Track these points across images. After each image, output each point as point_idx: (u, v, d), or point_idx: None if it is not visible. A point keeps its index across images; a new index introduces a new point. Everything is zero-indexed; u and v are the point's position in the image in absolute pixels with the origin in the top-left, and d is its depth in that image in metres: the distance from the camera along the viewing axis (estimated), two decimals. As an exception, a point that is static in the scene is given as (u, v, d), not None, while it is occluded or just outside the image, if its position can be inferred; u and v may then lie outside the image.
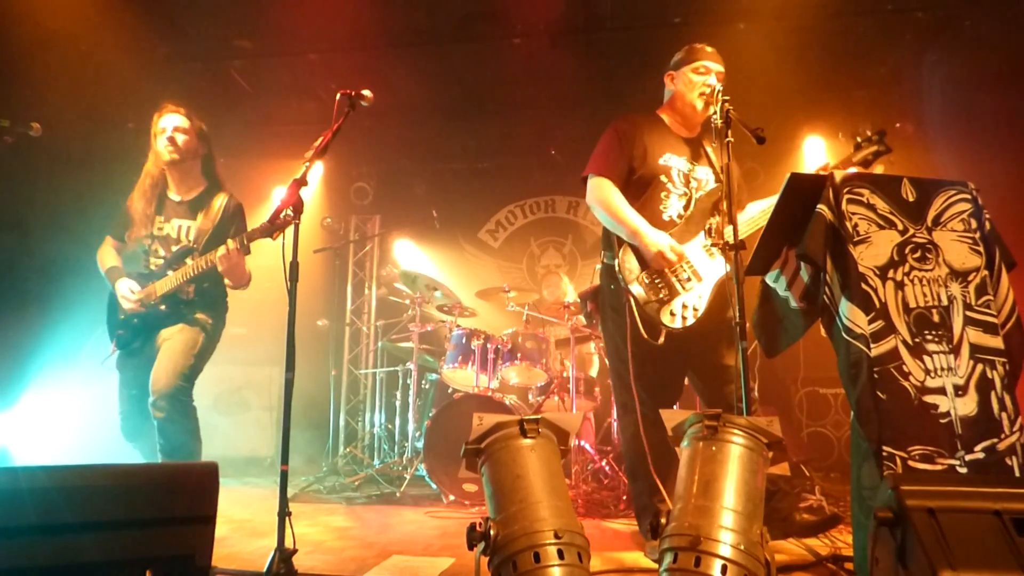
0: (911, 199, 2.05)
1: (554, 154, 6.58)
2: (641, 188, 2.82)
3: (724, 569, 1.53)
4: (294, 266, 2.36)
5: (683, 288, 2.68)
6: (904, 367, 1.89)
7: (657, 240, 2.66)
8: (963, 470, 1.82)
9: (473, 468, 1.90)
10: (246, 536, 3.08)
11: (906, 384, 1.88)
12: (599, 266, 3.03)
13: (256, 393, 5.91)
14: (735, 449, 1.72)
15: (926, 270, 1.98)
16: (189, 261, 3.00)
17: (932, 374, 1.89)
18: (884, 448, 1.83)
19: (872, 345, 1.91)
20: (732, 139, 2.34)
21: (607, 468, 4.38)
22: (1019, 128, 3.90)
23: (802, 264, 2.14)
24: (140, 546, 1.61)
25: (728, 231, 2.28)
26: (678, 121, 2.93)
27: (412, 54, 5.15)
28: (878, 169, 2.43)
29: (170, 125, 3.06)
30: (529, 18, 4.80)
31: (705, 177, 2.86)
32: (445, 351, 4.83)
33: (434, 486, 4.19)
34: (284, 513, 2.18)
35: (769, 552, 1.58)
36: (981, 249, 2.02)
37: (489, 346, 4.59)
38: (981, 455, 1.83)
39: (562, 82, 5.49)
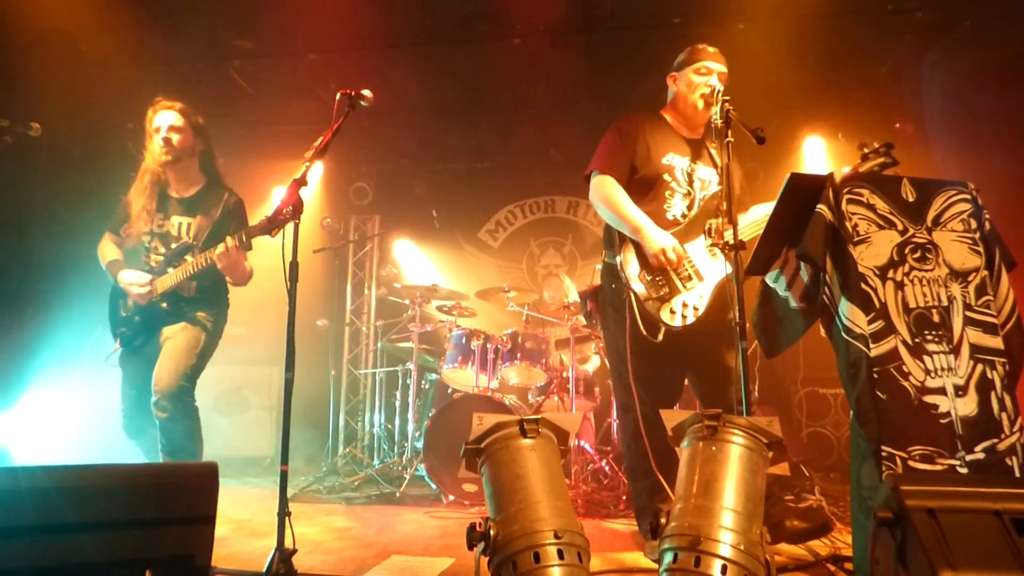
0: (911, 199, 2.06)
1: (554, 154, 6.58)
2: (644, 187, 2.82)
3: (724, 569, 1.53)
4: (294, 266, 2.35)
5: (684, 287, 2.68)
6: (904, 367, 1.89)
7: (660, 238, 2.66)
8: (963, 470, 1.82)
9: (473, 468, 1.90)
10: (246, 536, 3.08)
11: (906, 384, 1.88)
12: (599, 266, 3.03)
13: (256, 393, 5.91)
14: (735, 449, 1.72)
15: (926, 270, 1.98)
16: (189, 258, 2.99)
17: (932, 374, 1.89)
18: (884, 448, 1.83)
19: (872, 345, 1.91)
20: (732, 139, 2.34)
21: (607, 468, 4.38)
22: (1019, 128, 3.90)
23: (802, 264, 2.14)
24: (140, 546, 1.61)
25: (728, 232, 2.28)
26: (681, 122, 2.93)
27: (412, 54, 5.14)
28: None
29: (164, 124, 3.01)
30: (529, 18, 4.80)
31: (709, 177, 2.86)
32: (445, 351, 4.83)
33: (434, 486, 4.19)
34: (284, 513, 2.17)
35: (769, 552, 1.58)
36: (981, 249, 2.02)
37: (489, 346, 4.59)
38: (981, 455, 1.83)
39: (562, 82, 5.49)
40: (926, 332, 1.92)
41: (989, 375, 1.91)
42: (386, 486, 4.51)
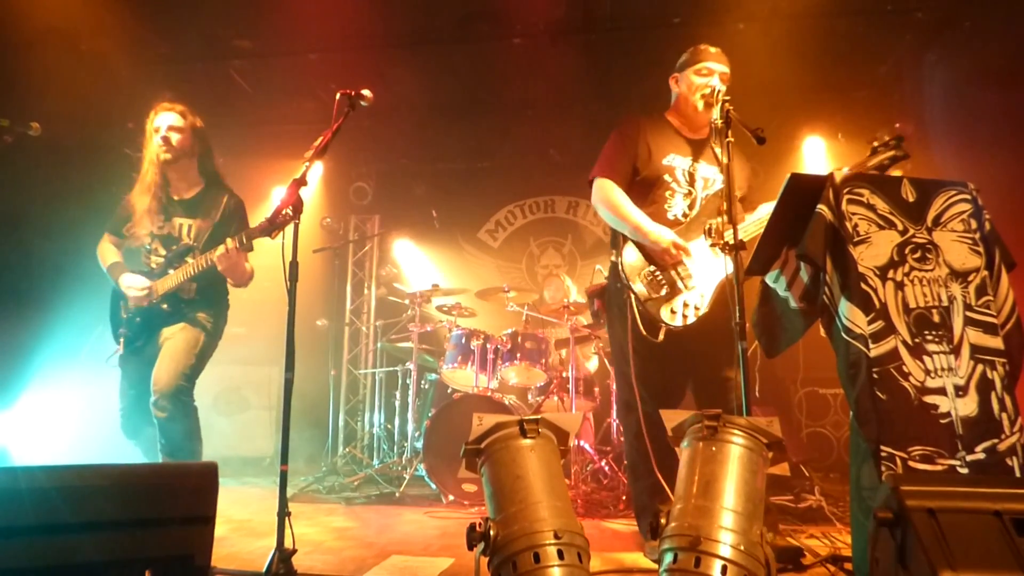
0: (911, 199, 2.05)
1: (553, 154, 6.57)
2: (646, 188, 2.83)
3: (724, 569, 1.53)
4: (293, 266, 2.35)
5: (685, 286, 2.68)
6: (904, 367, 1.89)
7: (661, 235, 2.67)
8: (964, 471, 1.82)
9: (473, 468, 1.90)
10: (245, 536, 3.08)
11: (906, 384, 1.88)
12: (599, 266, 3.04)
13: (255, 393, 5.90)
14: (735, 449, 1.72)
15: (926, 270, 1.98)
16: (190, 260, 3.00)
17: (932, 374, 1.89)
18: (884, 448, 1.83)
19: (872, 345, 1.91)
20: (732, 139, 2.34)
21: (606, 468, 4.38)
22: (1019, 128, 3.89)
23: (802, 264, 2.14)
24: (139, 546, 1.61)
25: (728, 232, 2.27)
26: (683, 122, 2.93)
27: (412, 54, 5.14)
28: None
29: (164, 124, 3.03)
30: (529, 18, 4.80)
31: (712, 176, 2.85)
32: (444, 351, 4.82)
33: (433, 486, 4.19)
34: (283, 513, 2.17)
35: (769, 552, 1.58)
36: (981, 249, 2.02)
37: (488, 346, 4.59)
38: (982, 456, 1.83)
39: (562, 82, 5.49)
40: (926, 332, 1.92)
41: (989, 375, 1.90)
42: (386, 486, 4.51)
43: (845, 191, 2.03)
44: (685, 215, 2.80)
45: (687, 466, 1.76)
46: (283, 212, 2.41)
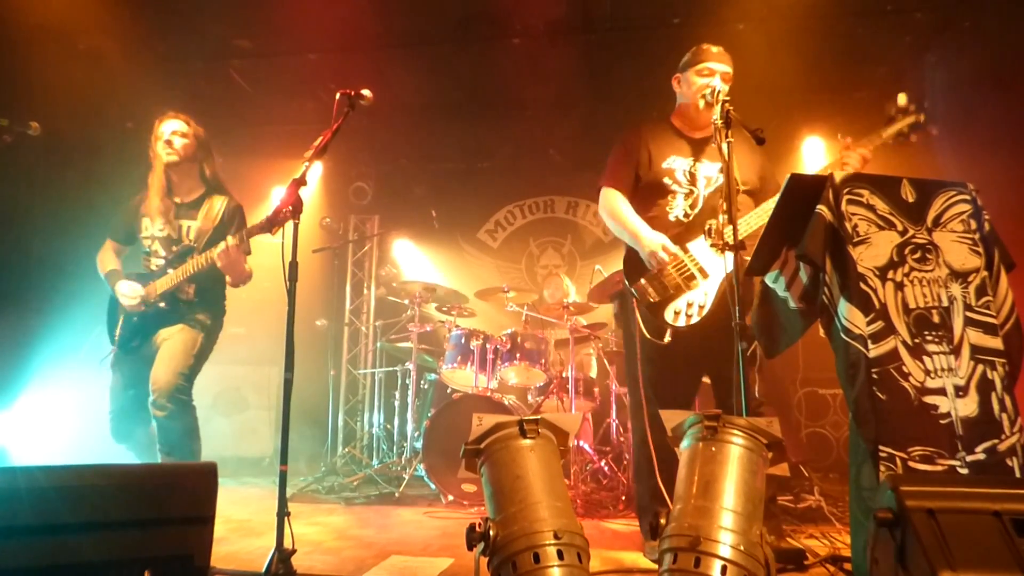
0: (911, 200, 2.05)
1: (553, 154, 6.57)
2: (648, 193, 2.87)
3: (724, 570, 1.53)
4: (293, 266, 2.36)
5: (687, 286, 2.69)
6: (904, 368, 1.89)
7: (651, 240, 2.71)
8: (964, 471, 1.81)
9: (472, 468, 1.90)
10: (245, 536, 3.08)
11: (906, 385, 1.88)
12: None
13: (255, 393, 5.90)
14: (735, 450, 1.72)
15: (926, 271, 1.98)
16: (189, 260, 3.05)
17: (932, 375, 1.89)
18: (884, 449, 1.83)
19: (871, 346, 1.90)
20: (732, 139, 2.34)
21: (606, 468, 4.38)
22: (1019, 128, 3.90)
23: (801, 265, 2.14)
24: (138, 546, 1.61)
25: (728, 230, 2.27)
26: (687, 123, 2.94)
27: (412, 54, 5.14)
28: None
29: (169, 130, 3.15)
30: (528, 18, 4.80)
31: (714, 175, 2.84)
32: (444, 351, 4.82)
33: (433, 486, 4.19)
34: (283, 513, 2.17)
35: (769, 553, 1.58)
36: (981, 250, 2.02)
37: (488, 346, 4.58)
38: (982, 456, 1.83)
39: (562, 82, 5.48)
40: (926, 332, 1.92)
41: (989, 376, 1.90)
42: (385, 486, 4.51)
43: (845, 191, 2.03)
44: (687, 215, 2.81)
45: (687, 466, 1.76)
46: (283, 212, 2.42)
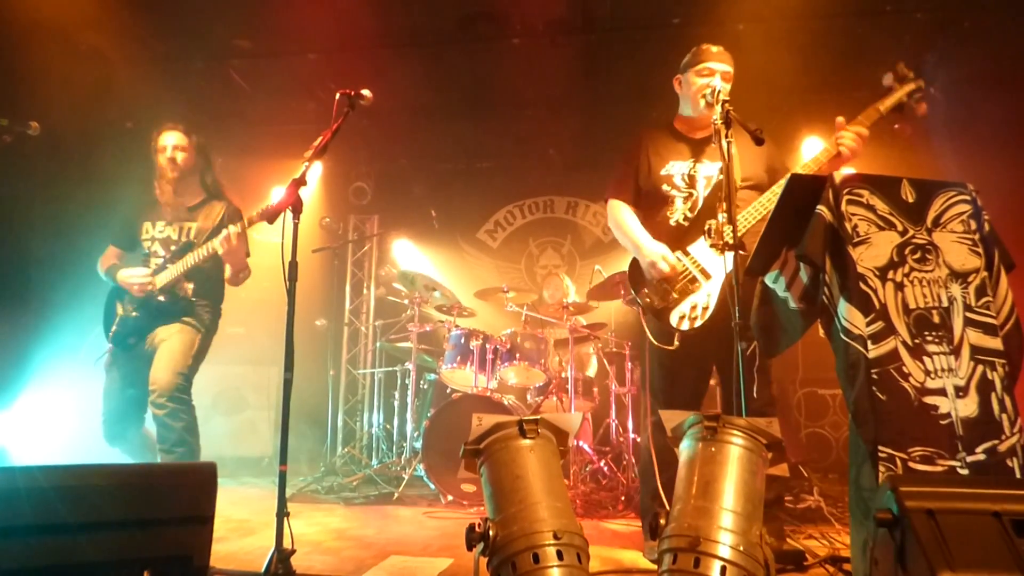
0: (911, 200, 2.05)
1: (553, 154, 6.57)
2: (650, 201, 2.89)
3: (723, 570, 1.52)
4: (293, 266, 2.36)
5: (690, 289, 2.69)
6: (904, 368, 1.89)
7: (651, 251, 2.73)
8: (964, 471, 1.81)
9: (472, 468, 1.90)
10: (244, 536, 3.08)
11: (906, 385, 1.88)
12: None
13: (254, 393, 5.89)
14: (734, 450, 1.72)
15: (926, 271, 1.98)
16: (190, 253, 3.10)
17: (932, 375, 1.89)
18: (884, 449, 1.83)
19: (871, 346, 1.90)
20: (732, 139, 2.34)
21: (605, 469, 4.38)
22: (1019, 128, 3.90)
23: (801, 265, 2.14)
24: (138, 546, 1.61)
25: (727, 229, 2.27)
26: (688, 124, 2.94)
27: (412, 54, 5.14)
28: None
29: (169, 144, 3.21)
30: (528, 18, 4.80)
31: (714, 174, 2.82)
32: (444, 351, 4.82)
33: (432, 486, 4.19)
34: (282, 513, 2.17)
35: (768, 553, 1.58)
36: (980, 250, 2.02)
37: (488, 346, 4.58)
38: (982, 456, 1.83)
39: (561, 82, 5.48)
40: (926, 333, 1.92)
41: (989, 376, 1.90)
42: (385, 486, 4.50)
43: (845, 192, 2.03)
44: (687, 219, 2.80)
45: (686, 467, 1.76)
46: (283, 211, 2.43)
